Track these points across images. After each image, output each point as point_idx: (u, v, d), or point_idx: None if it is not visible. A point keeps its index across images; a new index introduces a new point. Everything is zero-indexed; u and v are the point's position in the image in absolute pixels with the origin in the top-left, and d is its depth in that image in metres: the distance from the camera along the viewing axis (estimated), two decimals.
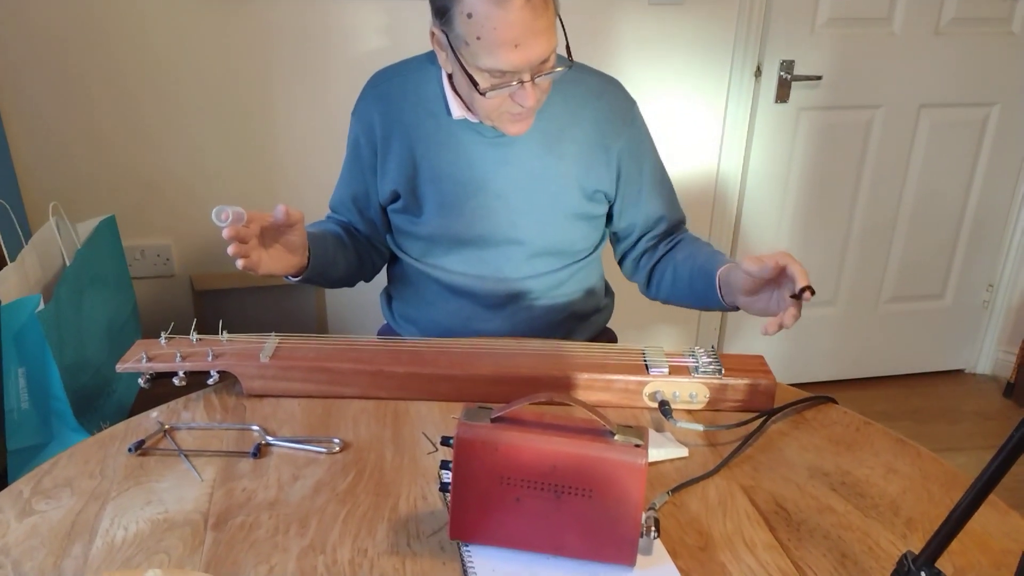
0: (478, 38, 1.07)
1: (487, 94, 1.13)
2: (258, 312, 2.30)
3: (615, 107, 1.31)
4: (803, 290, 1.01)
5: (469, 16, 1.06)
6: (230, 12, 2.02)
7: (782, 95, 2.35)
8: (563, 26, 1.15)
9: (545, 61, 1.12)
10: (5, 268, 1.54)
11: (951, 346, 2.86)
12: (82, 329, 1.68)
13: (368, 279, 1.46)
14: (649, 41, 2.26)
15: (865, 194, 2.55)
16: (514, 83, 1.12)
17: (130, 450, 1.02)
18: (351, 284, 1.42)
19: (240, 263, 1.05)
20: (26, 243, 1.65)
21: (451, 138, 1.27)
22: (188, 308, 2.26)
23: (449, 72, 1.22)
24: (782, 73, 2.32)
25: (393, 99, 1.30)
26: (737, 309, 1.20)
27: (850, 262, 2.64)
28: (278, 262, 1.13)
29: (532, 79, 1.12)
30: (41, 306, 1.48)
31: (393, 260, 1.47)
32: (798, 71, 2.33)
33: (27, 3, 1.92)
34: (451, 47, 1.13)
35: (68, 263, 1.68)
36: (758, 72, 2.33)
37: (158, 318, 2.22)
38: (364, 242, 1.41)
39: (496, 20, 1.05)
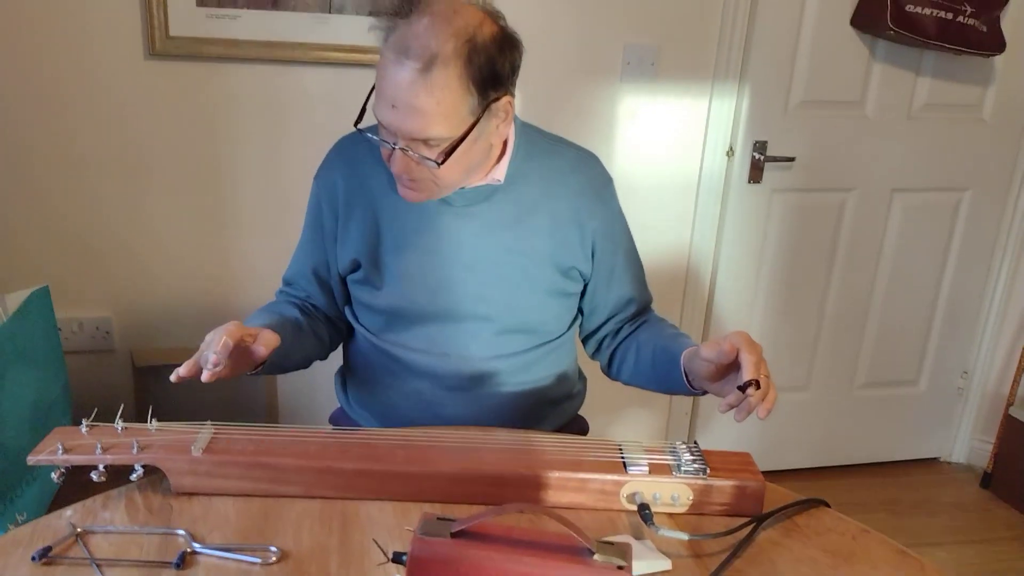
0: (376, 82, 1.10)
1: (358, 127, 1.15)
2: (204, 391, 2.14)
3: (591, 184, 1.29)
4: (747, 384, 0.98)
5: (380, 59, 1.10)
6: (180, 75, 1.97)
7: (755, 176, 2.33)
8: (463, 137, 1.10)
9: (417, 141, 1.09)
10: None
11: (926, 434, 2.80)
12: (3, 410, 1.55)
13: (324, 357, 1.38)
14: (621, 118, 2.24)
15: (838, 277, 2.52)
16: (388, 142, 1.11)
17: (34, 559, 0.89)
18: (306, 367, 1.34)
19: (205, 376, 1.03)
20: None
21: (417, 205, 1.22)
22: (128, 385, 2.13)
23: None
24: (755, 154, 2.30)
25: (358, 163, 1.26)
26: (704, 393, 1.17)
27: (823, 346, 2.59)
28: (239, 368, 1.10)
29: (398, 148, 1.11)
30: None
31: (349, 338, 1.39)
32: (771, 152, 2.31)
33: None
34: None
35: None
36: (731, 152, 2.30)
37: (94, 397, 2.07)
38: (322, 319, 1.35)
39: (389, 73, 1.07)
